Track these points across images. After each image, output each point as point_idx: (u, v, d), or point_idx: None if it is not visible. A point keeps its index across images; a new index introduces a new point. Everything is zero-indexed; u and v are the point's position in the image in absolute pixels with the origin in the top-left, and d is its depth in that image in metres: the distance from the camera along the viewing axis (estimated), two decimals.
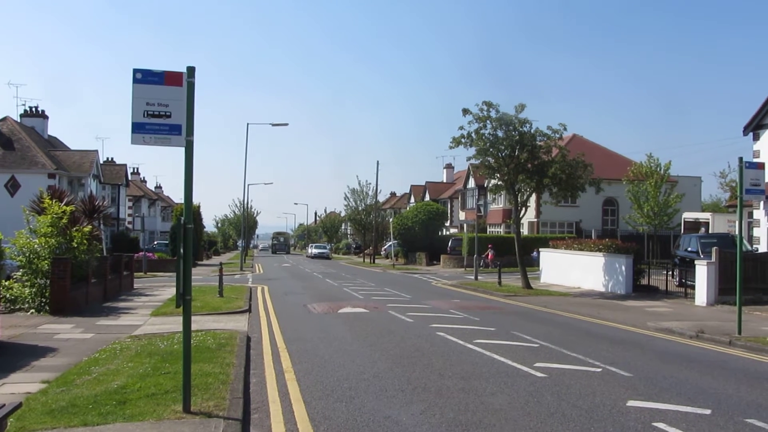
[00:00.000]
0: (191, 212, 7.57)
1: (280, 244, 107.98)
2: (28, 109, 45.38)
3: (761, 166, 15.28)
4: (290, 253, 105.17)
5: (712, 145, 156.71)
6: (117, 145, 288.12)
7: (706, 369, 10.76)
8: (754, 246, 24.77)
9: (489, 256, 43.20)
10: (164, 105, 7.42)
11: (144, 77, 7.42)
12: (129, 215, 61.33)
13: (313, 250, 78.02)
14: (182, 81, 7.47)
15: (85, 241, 18.62)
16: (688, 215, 39.29)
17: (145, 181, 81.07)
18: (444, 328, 14.83)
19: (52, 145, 45.53)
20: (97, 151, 45.24)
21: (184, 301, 7.51)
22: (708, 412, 7.91)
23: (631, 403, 8.29)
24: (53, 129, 56.65)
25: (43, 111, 45.68)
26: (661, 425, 7.30)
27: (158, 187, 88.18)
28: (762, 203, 23.77)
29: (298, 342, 13.11)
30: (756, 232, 25.10)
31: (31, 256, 17.40)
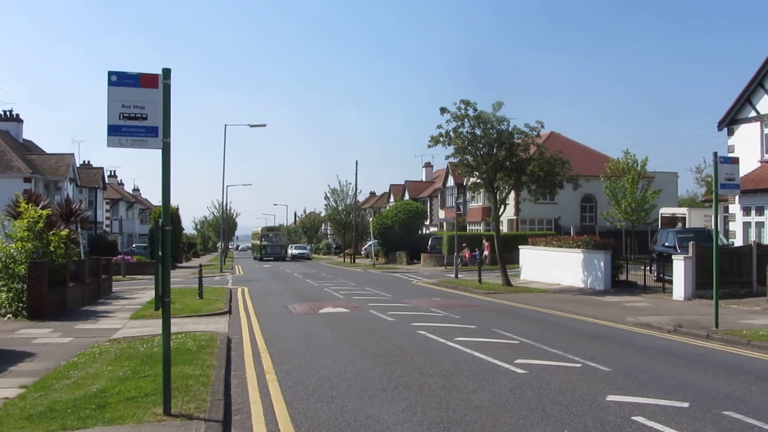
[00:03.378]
0: (169, 214, 7.55)
1: (273, 245, 70.72)
2: (2, 112, 44.86)
3: (736, 160, 15.49)
4: (286, 259, 70.26)
5: (688, 140, 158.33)
6: (94, 148, 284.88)
7: (684, 363, 10.89)
8: (730, 240, 25.06)
9: (467, 255, 43.64)
10: (140, 107, 7.38)
11: (119, 80, 7.37)
12: (107, 218, 60.82)
13: (293, 250, 77.65)
14: (158, 83, 7.43)
15: (62, 245, 18.46)
16: (665, 210, 39.71)
17: (123, 184, 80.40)
18: (425, 327, 14.86)
19: (27, 149, 45.07)
20: (73, 154, 45.05)
21: (163, 303, 7.47)
22: (686, 405, 8.00)
23: (610, 397, 8.36)
24: (28, 133, 56.09)
25: (17, 114, 45.31)
26: (640, 419, 7.37)
27: (136, 189, 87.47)
28: (737, 198, 24.05)
29: (279, 343, 13.09)
30: (731, 226, 25.39)
31: (8, 260, 17.19)
